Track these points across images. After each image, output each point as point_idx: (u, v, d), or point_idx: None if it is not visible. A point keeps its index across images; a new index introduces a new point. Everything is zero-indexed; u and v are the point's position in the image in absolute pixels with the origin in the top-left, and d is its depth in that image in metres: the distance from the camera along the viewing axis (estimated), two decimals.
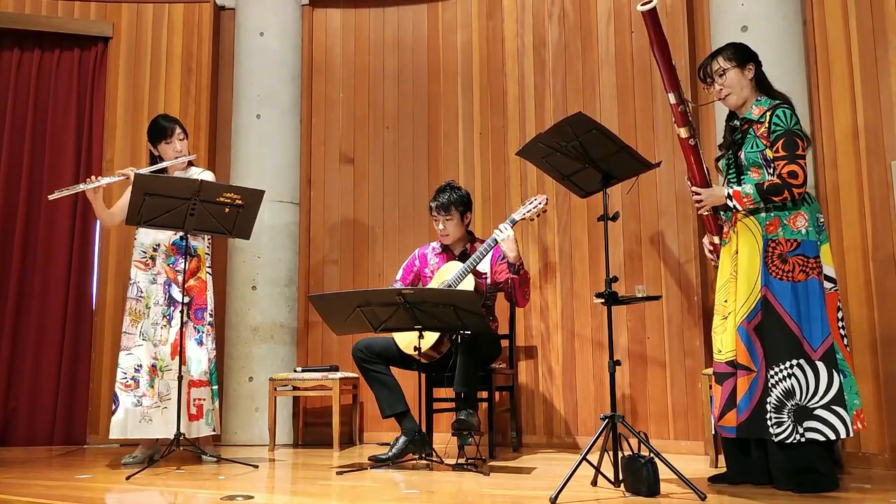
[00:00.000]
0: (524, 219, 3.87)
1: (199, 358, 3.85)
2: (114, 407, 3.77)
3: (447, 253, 4.10)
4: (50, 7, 5.11)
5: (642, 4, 2.94)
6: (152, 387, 3.76)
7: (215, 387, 3.93)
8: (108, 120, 5.08)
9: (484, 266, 3.96)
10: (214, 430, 3.90)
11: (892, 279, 3.54)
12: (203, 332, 3.90)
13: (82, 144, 5.04)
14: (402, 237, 5.06)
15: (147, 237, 3.93)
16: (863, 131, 3.72)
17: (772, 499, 2.65)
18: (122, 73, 5.13)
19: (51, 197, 3.90)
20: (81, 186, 3.88)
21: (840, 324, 2.88)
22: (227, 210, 3.61)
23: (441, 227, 4.01)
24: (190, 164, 4.11)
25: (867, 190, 3.67)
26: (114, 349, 4.85)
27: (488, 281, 3.99)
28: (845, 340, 2.88)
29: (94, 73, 5.12)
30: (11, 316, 4.79)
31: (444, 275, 3.91)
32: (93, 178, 3.89)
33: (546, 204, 3.88)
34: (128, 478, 3.24)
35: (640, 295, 3.21)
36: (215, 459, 3.78)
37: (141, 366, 3.78)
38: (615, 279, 2.93)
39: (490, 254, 3.90)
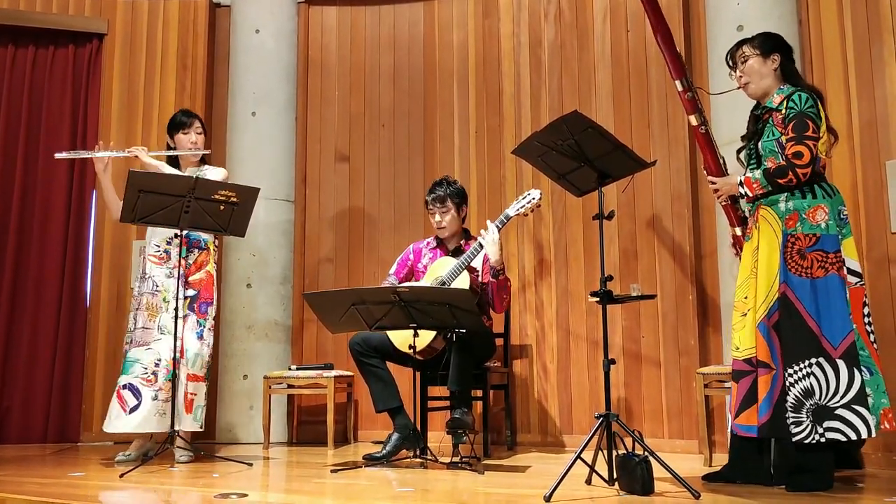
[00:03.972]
0: (518, 214, 3.87)
1: (199, 352, 3.84)
2: (136, 402, 3.67)
3: (441, 248, 4.09)
4: (45, 3, 5.09)
5: None
6: (169, 380, 3.71)
7: (207, 382, 3.91)
8: (102, 117, 5.06)
9: (477, 263, 3.95)
10: (200, 428, 3.86)
11: (886, 278, 3.55)
12: (205, 327, 3.88)
13: (77, 141, 5.02)
14: (397, 235, 5.05)
15: (160, 232, 3.92)
16: (857, 131, 3.72)
17: (766, 497, 2.65)
18: (117, 70, 5.12)
19: (57, 155, 3.94)
20: (89, 153, 3.87)
21: (866, 319, 2.81)
22: (221, 207, 3.60)
23: (438, 218, 4.01)
24: (204, 161, 4.11)
25: (861, 189, 3.68)
26: (108, 346, 4.86)
27: (480, 278, 3.99)
28: (872, 337, 2.81)
29: (89, 69, 5.10)
30: (5, 313, 4.77)
31: (439, 270, 3.90)
32: (101, 144, 3.88)
33: (540, 198, 3.86)
34: (121, 476, 3.23)
35: (634, 294, 3.20)
36: (185, 460, 3.68)
37: (160, 360, 3.72)
38: (610, 278, 2.93)
39: (482, 252, 3.89)
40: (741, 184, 2.91)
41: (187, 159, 4.03)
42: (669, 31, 3.00)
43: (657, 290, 4.34)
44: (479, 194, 4.90)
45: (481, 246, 3.80)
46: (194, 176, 3.64)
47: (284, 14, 5.19)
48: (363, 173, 5.20)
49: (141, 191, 3.46)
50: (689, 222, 4.33)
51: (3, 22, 4.99)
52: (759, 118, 3.02)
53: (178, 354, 3.64)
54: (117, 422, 3.70)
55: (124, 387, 3.72)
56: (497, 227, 3.80)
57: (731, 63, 3.06)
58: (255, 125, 5.02)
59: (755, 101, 3.06)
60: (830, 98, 3.77)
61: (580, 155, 2.93)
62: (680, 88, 3.03)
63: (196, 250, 3.92)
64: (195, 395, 3.81)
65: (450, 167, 4.98)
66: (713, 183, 3.07)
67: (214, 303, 3.95)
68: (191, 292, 3.86)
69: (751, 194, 2.90)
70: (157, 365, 3.74)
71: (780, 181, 2.82)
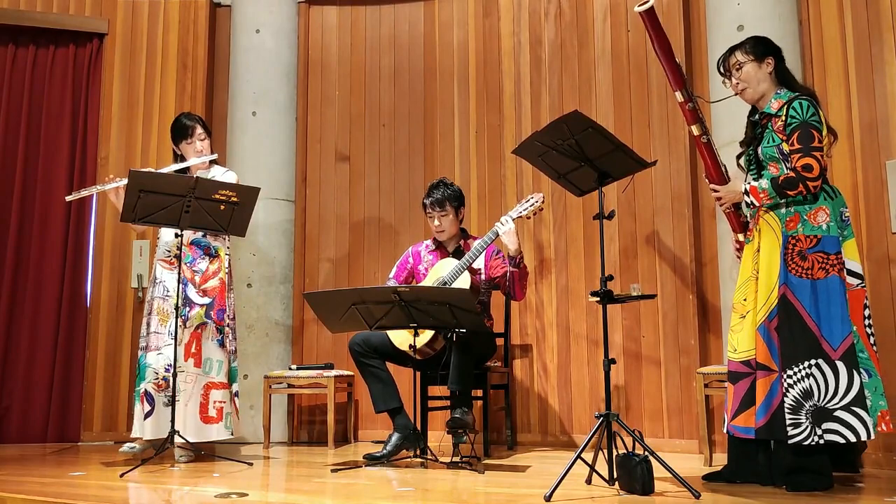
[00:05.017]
0: (521, 217, 3.87)
1: (221, 360, 3.85)
2: (149, 408, 3.73)
3: (441, 250, 4.09)
4: (45, 3, 5.09)
5: (639, 6, 2.93)
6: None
7: (232, 389, 3.91)
8: (102, 116, 5.06)
9: (478, 263, 3.96)
10: (232, 434, 3.87)
11: (886, 278, 3.55)
12: (224, 334, 3.88)
13: (77, 141, 5.03)
14: (397, 235, 5.06)
15: (169, 235, 3.91)
16: (857, 130, 3.72)
17: (766, 497, 2.66)
18: (118, 70, 5.12)
19: (68, 198, 4.01)
20: (99, 187, 3.91)
21: (867, 321, 2.81)
22: (222, 207, 3.60)
23: (437, 222, 4.01)
24: (213, 163, 4.11)
25: (862, 189, 3.68)
26: (108, 347, 4.86)
27: (483, 277, 3.99)
28: (872, 339, 2.80)
29: (90, 69, 5.10)
30: (5, 314, 4.77)
31: (440, 271, 3.90)
32: (111, 177, 3.89)
33: (543, 202, 3.89)
34: (121, 475, 3.24)
35: (635, 293, 3.20)
36: (185, 461, 3.71)
37: (171, 365, 3.70)
38: (610, 277, 2.93)
39: (484, 251, 3.90)
40: (747, 192, 2.90)
41: (197, 167, 4.02)
42: (669, 44, 2.99)
43: (657, 290, 4.34)
44: (479, 194, 4.90)
45: (496, 234, 3.80)
46: (194, 176, 3.64)
47: (284, 14, 5.19)
48: (363, 173, 5.20)
49: (141, 190, 3.46)
50: (689, 221, 4.33)
51: (3, 22, 4.99)
52: (756, 123, 3.01)
53: (176, 354, 3.63)
54: (138, 427, 3.75)
55: (146, 393, 3.75)
56: (511, 218, 3.81)
57: (723, 71, 3.06)
58: (256, 125, 5.01)
59: (751, 107, 3.06)
60: (830, 97, 3.77)
61: (580, 155, 2.93)
62: (680, 99, 3.02)
63: (208, 257, 3.92)
64: (223, 402, 3.82)
65: (450, 167, 4.99)
66: (716, 191, 3.07)
67: (228, 308, 3.94)
68: (206, 300, 3.86)
69: (758, 204, 2.89)
70: (167, 370, 3.74)
71: (789, 193, 2.81)
